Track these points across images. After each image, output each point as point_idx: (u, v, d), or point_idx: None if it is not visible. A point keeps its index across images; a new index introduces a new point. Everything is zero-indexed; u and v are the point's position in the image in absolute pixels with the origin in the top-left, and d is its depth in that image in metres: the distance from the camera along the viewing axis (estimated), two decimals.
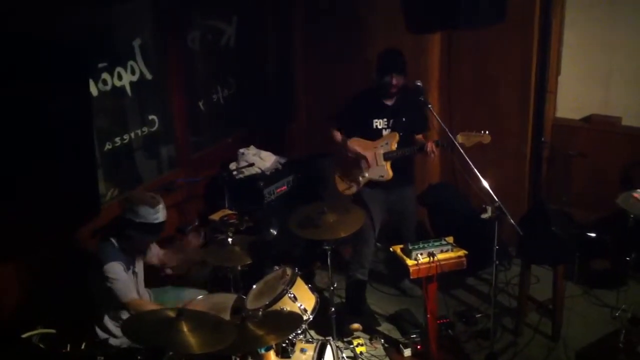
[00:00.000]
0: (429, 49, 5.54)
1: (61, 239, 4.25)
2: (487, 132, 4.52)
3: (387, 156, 4.69)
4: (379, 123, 4.72)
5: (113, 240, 3.85)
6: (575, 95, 5.67)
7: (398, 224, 5.04)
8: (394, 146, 4.68)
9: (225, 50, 5.79)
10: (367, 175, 4.75)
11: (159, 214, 3.79)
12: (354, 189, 4.81)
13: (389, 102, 4.69)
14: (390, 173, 4.71)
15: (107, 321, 3.89)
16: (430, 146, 4.57)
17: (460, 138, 4.48)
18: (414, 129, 4.78)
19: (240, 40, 5.86)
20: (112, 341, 3.87)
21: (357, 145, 4.74)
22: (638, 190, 4.56)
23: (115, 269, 3.74)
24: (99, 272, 3.73)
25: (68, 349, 3.52)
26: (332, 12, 5.90)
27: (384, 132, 4.73)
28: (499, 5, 5.15)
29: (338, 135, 4.81)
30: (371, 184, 4.77)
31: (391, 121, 4.70)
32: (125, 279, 3.78)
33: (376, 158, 4.71)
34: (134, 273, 3.98)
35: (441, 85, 5.69)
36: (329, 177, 5.07)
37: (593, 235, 5.14)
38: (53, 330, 3.55)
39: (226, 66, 5.84)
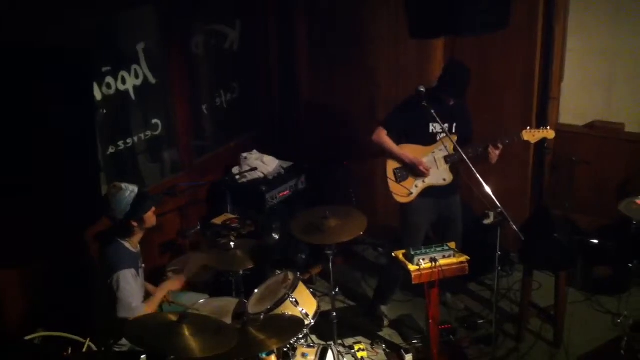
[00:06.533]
0: (432, 55, 5.54)
1: (63, 243, 4.26)
2: (549, 127, 4.62)
3: (449, 159, 4.60)
4: (435, 127, 4.58)
5: (121, 241, 3.87)
6: (578, 101, 5.67)
7: (445, 230, 4.81)
8: (452, 149, 4.58)
9: (229, 55, 5.81)
10: (427, 180, 4.62)
11: (129, 188, 3.85)
12: (413, 196, 4.64)
13: (447, 106, 4.58)
14: (452, 175, 4.63)
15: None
16: (492, 150, 4.49)
17: (525, 135, 4.51)
18: (464, 135, 4.67)
19: (244, 44, 5.88)
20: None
21: (410, 151, 4.62)
22: None
23: (128, 278, 3.75)
24: (110, 278, 3.73)
25: (69, 352, 3.52)
26: (333, 19, 5.91)
27: (438, 137, 4.61)
28: (502, 12, 5.13)
29: (391, 143, 4.62)
30: (422, 193, 4.65)
31: (446, 125, 4.55)
32: (134, 291, 3.78)
33: (436, 162, 4.62)
34: (140, 268, 4.00)
35: None
36: (342, 183, 4.96)
37: (595, 241, 5.12)
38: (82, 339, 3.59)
39: (229, 70, 5.85)
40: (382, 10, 5.60)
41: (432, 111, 4.34)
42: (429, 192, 4.66)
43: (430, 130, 4.60)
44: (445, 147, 4.61)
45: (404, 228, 4.77)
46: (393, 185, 4.66)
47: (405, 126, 4.64)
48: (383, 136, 4.62)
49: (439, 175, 4.63)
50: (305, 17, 6.07)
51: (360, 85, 5.87)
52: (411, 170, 4.63)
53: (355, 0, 5.72)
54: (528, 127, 4.56)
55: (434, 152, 4.62)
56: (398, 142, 4.65)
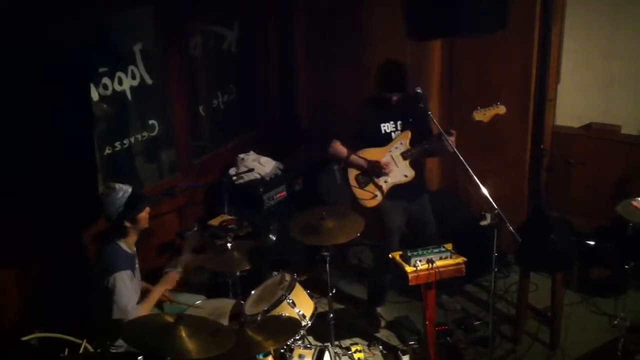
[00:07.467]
0: (429, 56, 5.55)
1: (61, 243, 4.26)
2: (499, 103, 4.53)
3: (406, 155, 4.62)
4: (387, 127, 4.66)
5: (117, 242, 3.86)
6: (575, 103, 5.67)
7: (420, 232, 4.84)
8: (409, 145, 4.63)
9: (227, 56, 5.80)
10: (389, 180, 4.65)
11: (123, 189, 3.83)
12: (379, 197, 4.66)
13: (393, 104, 4.64)
14: (413, 171, 4.65)
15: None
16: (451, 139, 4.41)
17: (477, 116, 4.48)
18: (420, 130, 4.68)
19: (242, 45, 5.87)
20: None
21: (367, 154, 4.66)
22: (637, 198, 4.57)
23: (125, 280, 3.74)
24: (107, 279, 3.72)
25: (66, 352, 3.52)
26: (333, 19, 5.91)
27: (393, 135, 4.67)
28: (499, 13, 5.15)
29: (343, 151, 4.69)
30: (391, 195, 4.67)
31: (399, 123, 4.65)
32: (130, 293, 3.76)
33: (394, 160, 4.64)
34: (136, 269, 3.99)
35: (442, 92, 5.70)
36: (339, 184, 4.96)
37: (592, 243, 5.13)
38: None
39: (227, 72, 5.85)
40: (382, 11, 5.60)
41: (429, 112, 4.40)
42: (397, 194, 4.67)
43: (383, 131, 4.66)
44: (402, 143, 4.64)
45: (385, 235, 4.76)
46: (358, 192, 4.70)
47: (363, 132, 4.68)
48: (337, 147, 4.71)
49: (400, 172, 4.66)
50: (305, 17, 6.06)
51: (360, 85, 5.87)
52: (371, 172, 4.66)
53: (355, 0, 5.73)
54: (478, 107, 4.51)
55: (390, 151, 4.65)
56: (359, 148, 4.69)
